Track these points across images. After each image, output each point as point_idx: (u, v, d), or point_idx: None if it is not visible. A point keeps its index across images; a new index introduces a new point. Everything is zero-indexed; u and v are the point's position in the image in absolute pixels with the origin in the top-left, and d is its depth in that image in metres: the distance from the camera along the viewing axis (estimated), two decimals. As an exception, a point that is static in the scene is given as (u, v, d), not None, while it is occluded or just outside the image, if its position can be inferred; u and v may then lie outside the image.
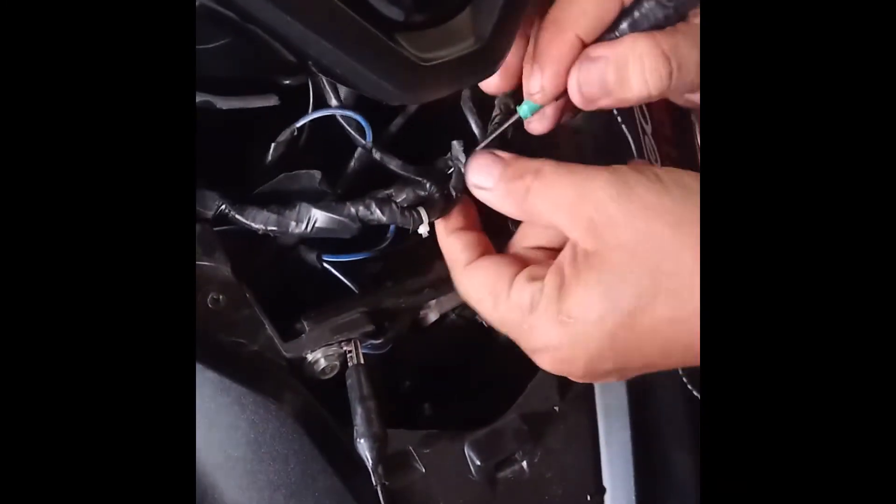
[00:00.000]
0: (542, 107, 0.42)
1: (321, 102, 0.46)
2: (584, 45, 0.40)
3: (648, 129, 0.56)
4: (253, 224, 0.41)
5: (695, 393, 0.52)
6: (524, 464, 0.46)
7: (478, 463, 0.44)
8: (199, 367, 0.39)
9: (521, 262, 0.40)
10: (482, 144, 0.43)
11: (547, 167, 0.38)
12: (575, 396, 0.48)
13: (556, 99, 0.41)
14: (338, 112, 0.44)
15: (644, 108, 0.56)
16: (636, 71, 0.38)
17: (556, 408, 0.47)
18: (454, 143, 0.44)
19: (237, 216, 0.41)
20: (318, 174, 0.44)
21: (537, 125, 0.44)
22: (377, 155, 0.45)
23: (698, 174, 0.36)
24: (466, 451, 0.45)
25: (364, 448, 0.40)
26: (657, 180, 0.36)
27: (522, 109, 0.42)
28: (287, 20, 0.34)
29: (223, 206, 0.41)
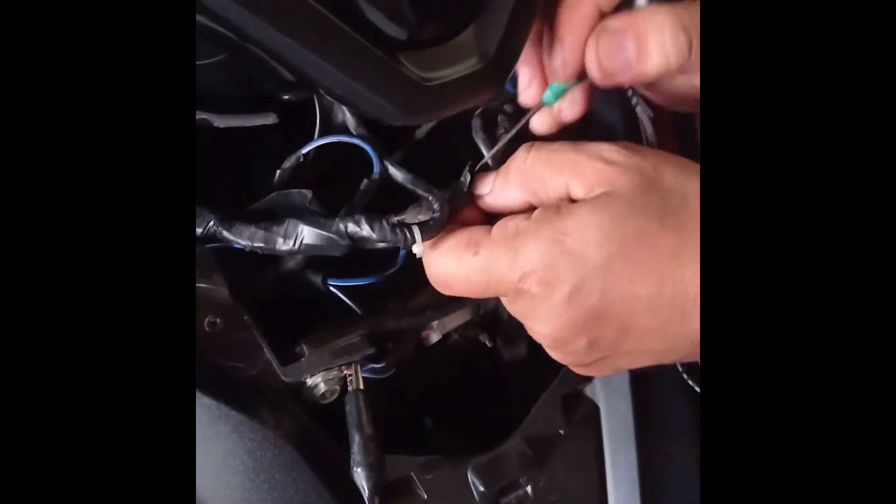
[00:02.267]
0: (565, 90, 0.41)
1: (328, 121, 0.44)
2: (603, 17, 0.39)
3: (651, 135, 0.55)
4: (239, 240, 0.40)
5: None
6: (528, 489, 0.45)
7: (481, 489, 0.43)
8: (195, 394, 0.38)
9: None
10: (498, 145, 0.42)
11: (542, 143, 0.38)
12: (580, 419, 0.47)
13: (580, 79, 0.40)
14: (344, 139, 0.43)
15: (648, 124, 0.55)
16: (656, 43, 0.37)
17: (562, 431, 0.46)
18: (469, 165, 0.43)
19: (224, 233, 0.40)
20: (309, 193, 0.43)
21: (569, 111, 0.42)
22: (387, 165, 0.43)
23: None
24: (469, 476, 0.44)
25: (360, 477, 0.39)
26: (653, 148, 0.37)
27: (546, 96, 0.41)
28: (285, 40, 0.33)
29: (211, 223, 0.40)
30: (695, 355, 0.36)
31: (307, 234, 0.40)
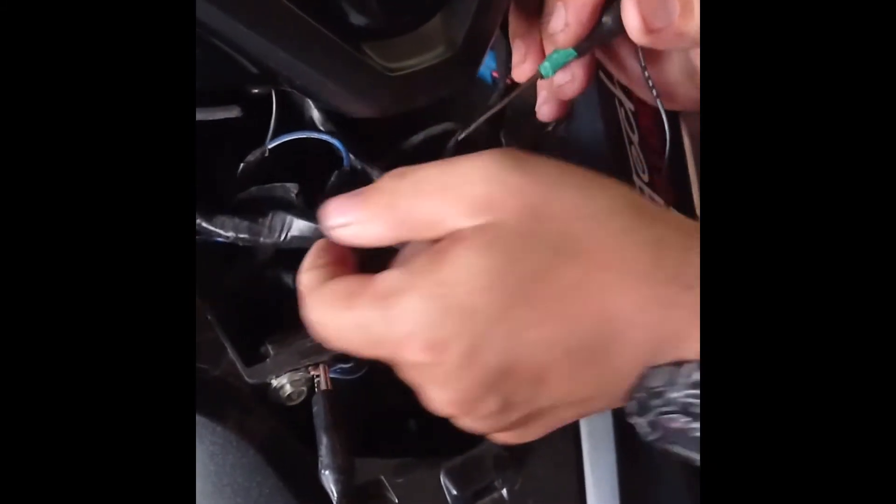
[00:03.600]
0: (565, 62, 0.37)
1: (299, 114, 0.43)
2: None
3: (635, 138, 0.54)
4: (223, 232, 0.39)
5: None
6: (504, 492, 0.44)
7: (454, 492, 0.42)
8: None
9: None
10: (481, 119, 0.39)
11: (408, 168, 0.33)
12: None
13: (580, 53, 0.37)
14: (313, 135, 0.42)
15: (631, 117, 0.54)
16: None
17: (538, 432, 0.45)
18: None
19: (206, 225, 0.39)
20: (294, 187, 0.42)
21: (549, 108, 0.39)
22: (358, 165, 0.42)
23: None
24: (443, 479, 0.42)
25: (329, 480, 0.38)
26: (549, 159, 0.32)
27: (544, 66, 0.38)
28: (244, 31, 0.32)
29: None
30: (625, 400, 0.33)
31: (294, 225, 0.39)
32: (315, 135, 0.42)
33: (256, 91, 0.44)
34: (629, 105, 0.54)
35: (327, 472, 0.38)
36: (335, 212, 0.34)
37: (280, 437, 0.39)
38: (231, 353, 0.39)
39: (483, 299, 0.30)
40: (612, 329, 0.30)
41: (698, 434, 0.30)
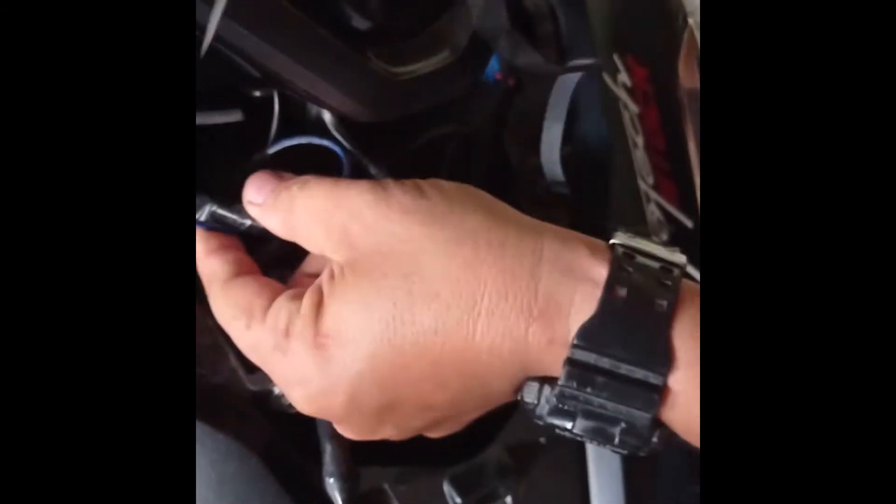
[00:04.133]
0: None
1: (301, 115, 0.43)
2: None
3: (640, 141, 0.53)
4: (246, 221, 0.38)
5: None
6: (508, 499, 0.43)
7: (458, 500, 0.42)
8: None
9: (291, 286, 0.35)
10: None
11: (313, 182, 0.34)
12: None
13: None
14: (314, 141, 0.42)
15: (635, 120, 0.53)
16: None
17: (543, 439, 0.45)
18: None
19: (226, 213, 0.38)
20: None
21: None
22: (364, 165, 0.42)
23: (465, 186, 0.34)
24: (446, 487, 0.42)
25: (333, 488, 0.37)
26: (415, 187, 0.33)
27: None
28: (244, 34, 0.31)
29: (212, 206, 0.38)
30: (487, 406, 0.35)
31: None
32: (316, 140, 0.42)
33: (257, 94, 0.44)
34: (634, 108, 0.53)
35: (332, 480, 0.37)
36: (252, 188, 0.36)
37: (281, 445, 0.39)
38: (232, 360, 0.39)
39: (354, 350, 0.32)
40: (476, 362, 0.32)
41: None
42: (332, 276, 0.33)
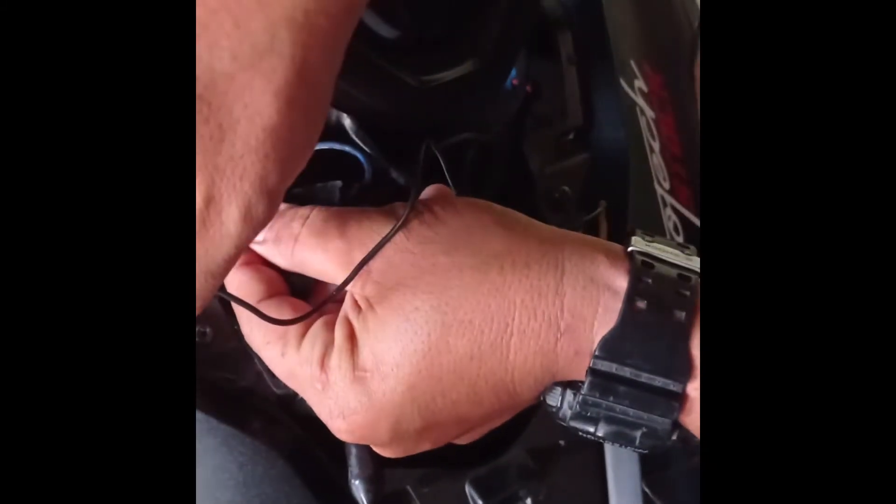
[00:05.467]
0: None
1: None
2: None
3: (656, 146, 0.54)
4: None
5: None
6: (528, 501, 0.44)
7: (479, 502, 0.42)
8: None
9: (324, 311, 0.35)
10: None
11: (315, 213, 0.34)
12: (581, 431, 0.46)
13: None
14: (335, 146, 0.42)
15: (652, 125, 0.54)
16: None
17: (563, 442, 0.45)
18: None
19: None
20: (338, 184, 0.40)
21: None
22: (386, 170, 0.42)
23: (477, 202, 0.35)
24: (468, 489, 0.43)
25: (359, 490, 0.38)
26: (431, 214, 0.34)
27: None
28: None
29: None
30: (514, 413, 0.36)
31: None
32: (337, 146, 0.42)
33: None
34: (650, 113, 0.54)
35: (357, 482, 0.38)
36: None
37: (307, 447, 0.39)
38: (258, 364, 0.39)
39: (393, 380, 0.32)
40: (510, 379, 0.32)
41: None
42: (356, 307, 0.33)
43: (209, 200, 0.25)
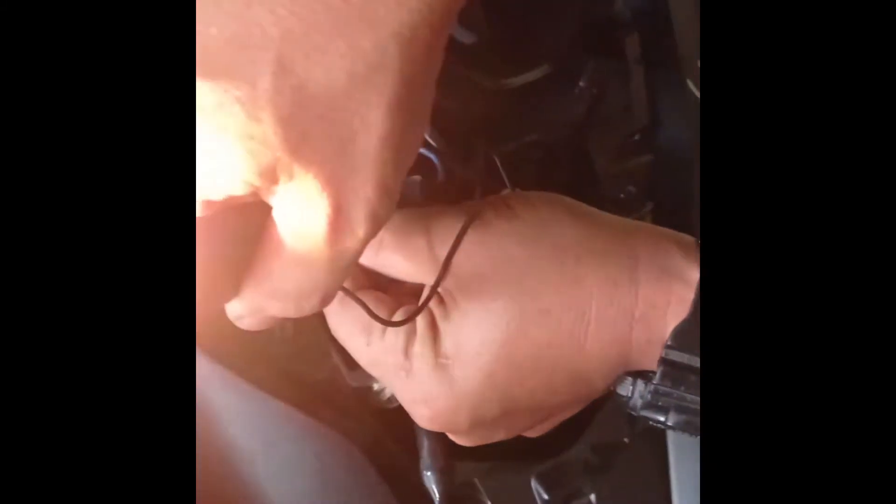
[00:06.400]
0: None
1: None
2: None
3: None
4: None
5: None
6: (592, 497, 0.44)
7: (545, 496, 0.43)
8: (263, 397, 0.38)
9: (402, 301, 0.35)
10: None
11: (397, 215, 0.35)
12: (646, 428, 0.46)
13: None
14: None
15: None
16: None
17: (626, 439, 0.46)
18: None
19: None
20: (417, 179, 0.40)
21: None
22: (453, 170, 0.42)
23: (550, 195, 0.35)
24: (533, 483, 0.43)
25: (430, 481, 0.39)
26: (507, 208, 0.34)
27: None
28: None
29: None
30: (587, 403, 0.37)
31: None
32: None
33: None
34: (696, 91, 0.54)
35: (429, 473, 0.39)
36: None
37: (380, 439, 0.41)
38: (335, 357, 0.40)
39: (473, 368, 0.33)
40: (586, 368, 0.33)
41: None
42: (440, 300, 0.34)
43: (338, 210, 0.27)
